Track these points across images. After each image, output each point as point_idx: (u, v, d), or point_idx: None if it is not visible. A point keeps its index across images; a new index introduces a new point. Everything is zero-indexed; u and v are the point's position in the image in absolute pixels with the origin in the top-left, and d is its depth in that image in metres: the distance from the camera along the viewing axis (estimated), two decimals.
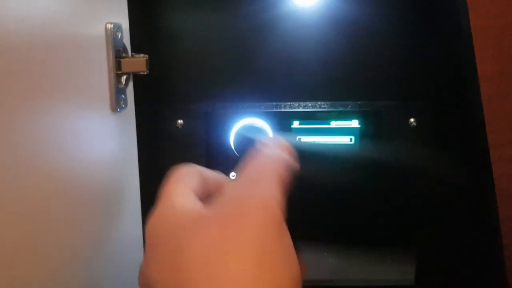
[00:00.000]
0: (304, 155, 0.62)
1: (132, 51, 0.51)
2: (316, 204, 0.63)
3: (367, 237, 0.63)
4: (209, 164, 0.61)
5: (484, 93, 0.49)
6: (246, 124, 0.59)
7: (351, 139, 0.61)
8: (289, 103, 0.60)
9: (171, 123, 0.61)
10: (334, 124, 0.61)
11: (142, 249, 0.58)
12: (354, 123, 0.61)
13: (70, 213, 0.40)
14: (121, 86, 0.47)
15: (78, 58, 0.40)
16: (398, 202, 0.62)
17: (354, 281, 0.65)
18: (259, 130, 0.59)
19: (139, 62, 0.49)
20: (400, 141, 0.60)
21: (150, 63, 0.51)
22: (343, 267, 0.64)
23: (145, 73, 0.49)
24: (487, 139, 0.51)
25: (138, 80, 0.54)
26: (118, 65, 0.47)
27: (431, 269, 0.65)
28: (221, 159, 0.62)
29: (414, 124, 0.60)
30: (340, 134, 0.61)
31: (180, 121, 0.61)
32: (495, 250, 0.58)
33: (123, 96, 0.47)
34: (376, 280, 0.64)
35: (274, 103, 0.60)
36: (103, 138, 0.46)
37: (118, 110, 0.46)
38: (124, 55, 0.49)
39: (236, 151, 0.59)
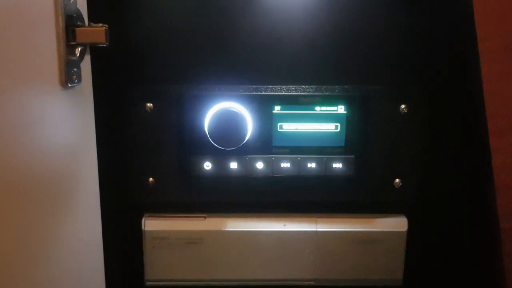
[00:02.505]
0: (285, 144, 0.58)
1: (90, 20, 0.44)
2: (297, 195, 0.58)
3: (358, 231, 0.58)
4: (182, 153, 0.56)
5: (484, 74, 0.44)
6: (223, 109, 0.53)
7: (336, 126, 0.56)
8: (270, 86, 0.55)
9: (139, 107, 0.55)
10: (318, 109, 0.55)
11: (102, 248, 0.51)
12: (341, 109, 0.56)
13: (15, 210, 0.33)
14: (74, 58, 0.41)
15: (20, 24, 0.33)
16: (386, 197, 0.58)
17: (341, 281, 0.60)
18: (237, 115, 0.53)
19: (97, 32, 0.42)
20: (390, 129, 0.55)
21: (115, 36, 0.45)
22: (329, 266, 0.59)
23: (105, 45, 0.43)
24: (487, 128, 0.47)
25: (98, 54, 0.47)
26: (72, 34, 0.41)
27: (420, 269, 0.60)
28: (195, 148, 0.56)
29: (405, 111, 0.55)
30: (325, 121, 0.56)
31: (149, 105, 0.55)
32: (490, 247, 0.53)
33: (75, 69, 0.41)
34: (364, 280, 0.59)
35: (253, 86, 0.55)
36: (53, 119, 0.39)
37: (69, 85, 0.40)
38: (79, 23, 0.42)
39: (212, 139, 0.53)
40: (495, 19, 0.45)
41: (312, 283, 0.60)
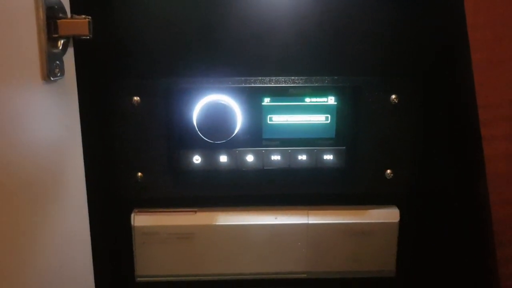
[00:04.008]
0: (275, 136, 0.57)
1: (73, 12, 0.43)
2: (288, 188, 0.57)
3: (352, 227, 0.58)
4: (171, 147, 0.55)
5: (475, 64, 0.44)
6: (212, 102, 0.52)
7: (327, 118, 0.55)
8: (259, 78, 0.54)
9: (126, 100, 0.53)
10: (308, 101, 0.55)
11: (90, 244, 0.51)
12: (331, 100, 0.55)
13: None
14: (56, 51, 0.40)
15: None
16: (378, 188, 0.57)
17: (333, 273, 0.59)
18: (226, 108, 0.52)
19: (79, 24, 0.41)
20: (381, 120, 0.55)
21: (100, 28, 0.44)
22: (321, 259, 0.59)
23: (88, 37, 0.42)
24: (478, 117, 0.46)
25: (84, 48, 0.46)
26: (54, 27, 0.40)
27: (413, 259, 0.60)
28: (183, 142, 0.55)
29: (396, 101, 0.55)
30: (315, 112, 0.55)
31: (136, 98, 0.53)
32: (482, 237, 0.53)
33: (58, 62, 0.39)
34: (356, 271, 0.59)
35: (242, 78, 0.54)
36: (35, 114, 0.38)
37: (51, 78, 0.39)
38: (61, 15, 0.41)
39: (201, 132, 0.52)
40: (485, 8, 0.44)
41: (304, 275, 0.60)
